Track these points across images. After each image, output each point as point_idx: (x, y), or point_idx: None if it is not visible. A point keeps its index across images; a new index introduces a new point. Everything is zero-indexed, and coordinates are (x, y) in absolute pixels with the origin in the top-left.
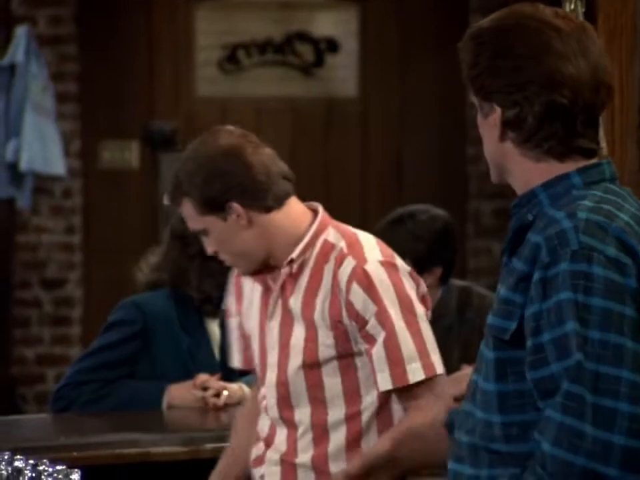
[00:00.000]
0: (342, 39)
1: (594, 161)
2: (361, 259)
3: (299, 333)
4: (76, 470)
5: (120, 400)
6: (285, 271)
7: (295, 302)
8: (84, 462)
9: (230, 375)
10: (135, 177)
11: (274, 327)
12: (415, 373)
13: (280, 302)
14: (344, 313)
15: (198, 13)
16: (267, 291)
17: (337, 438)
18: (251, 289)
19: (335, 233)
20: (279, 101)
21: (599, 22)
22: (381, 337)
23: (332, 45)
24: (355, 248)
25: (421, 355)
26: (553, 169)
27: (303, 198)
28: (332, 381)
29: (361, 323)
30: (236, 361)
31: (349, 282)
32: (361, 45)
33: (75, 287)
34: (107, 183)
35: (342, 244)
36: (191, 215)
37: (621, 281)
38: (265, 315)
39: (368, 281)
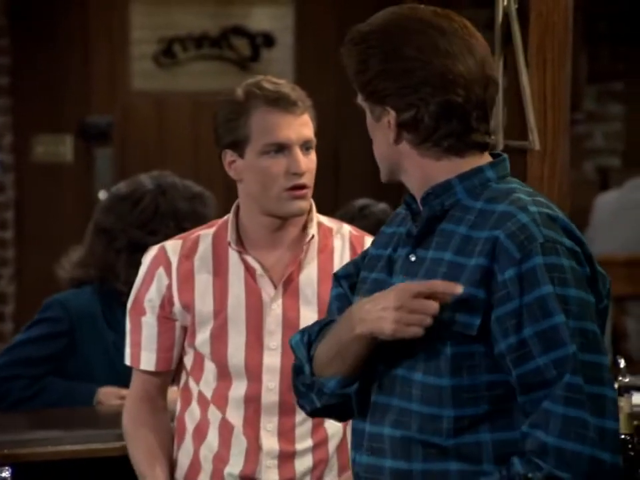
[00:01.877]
0: (278, 33)
1: (496, 155)
2: None
3: (309, 315)
4: (6, 467)
5: (50, 401)
6: (305, 247)
7: (308, 281)
8: (15, 459)
9: None
10: (70, 171)
11: (275, 308)
12: None
13: (283, 282)
14: None
15: (133, 7)
16: (251, 270)
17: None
18: (209, 272)
19: (321, 218)
20: (215, 95)
21: (532, 19)
22: None
23: (268, 40)
24: (360, 231)
25: None
26: (455, 165)
27: (236, 193)
28: None
29: None
30: (146, 362)
31: None
32: (296, 39)
33: (8, 283)
34: (40, 177)
35: (344, 226)
36: None
37: (581, 270)
38: (254, 298)
39: None
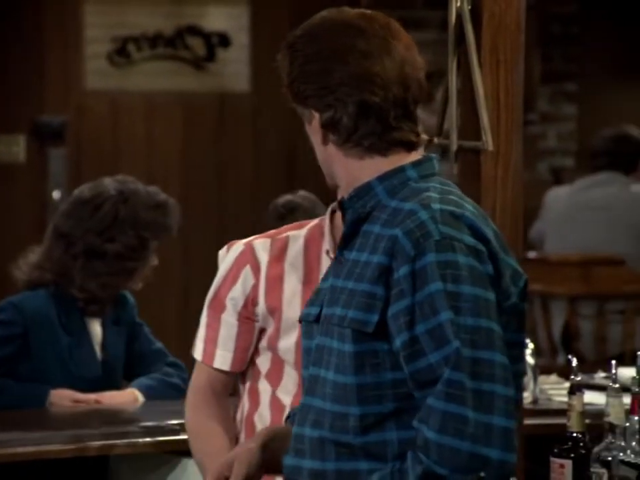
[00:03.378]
0: (233, 33)
1: (423, 154)
2: None
3: None
4: None
5: (3, 403)
6: None
7: None
8: None
9: (112, 375)
10: (23, 172)
11: None
12: None
13: None
14: None
15: (87, 6)
16: None
17: None
18: (299, 278)
19: None
20: (170, 95)
21: (484, 20)
22: None
23: (223, 40)
24: None
25: None
26: (378, 164)
27: (195, 193)
28: None
29: None
30: (220, 362)
31: None
32: (252, 39)
33: None
34: None
35: None
36: None
37: (481, 268)
38: None
39: None
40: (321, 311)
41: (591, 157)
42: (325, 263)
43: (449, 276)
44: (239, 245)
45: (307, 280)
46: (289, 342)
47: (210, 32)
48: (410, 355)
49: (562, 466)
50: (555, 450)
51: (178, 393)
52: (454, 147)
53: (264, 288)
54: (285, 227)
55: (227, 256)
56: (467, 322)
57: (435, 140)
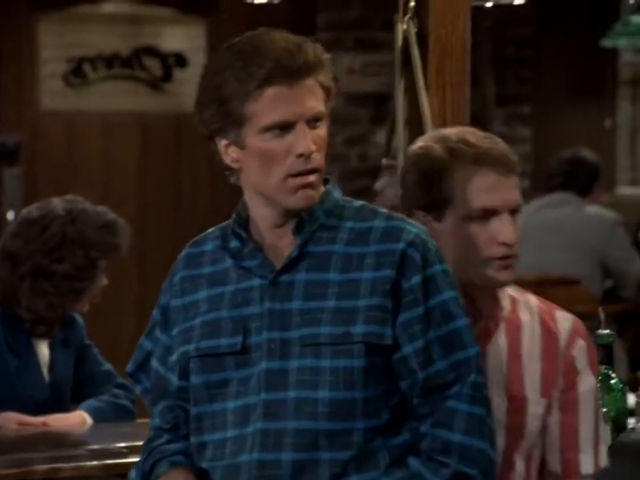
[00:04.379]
0: (190, 53)
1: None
2: None
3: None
4: None
5: None
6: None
7: (496, 359)
8: None
9: (60, 397)
10: None
11: None
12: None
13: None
14: None
15: (42, 25)
16: None
17: None
18: None
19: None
20: (126, 115)
21: (430, 43)
22: None
23: (180, 60)
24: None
25: None
26: None
27: (152, 213)
28: None
29: None
30: None
31: None
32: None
33: None
34: None
35: (530, 297)
36: None
37: None
38: None
39: None
40: (245, 338)
41: (546, 178)
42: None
43: (454, 284)
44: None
45: None
46: None
47: (167, 52)
48: (425, 360)
49: None
50: None
51: (127, 414)
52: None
53: None
54: None
55: None
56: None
57: (384, 161)
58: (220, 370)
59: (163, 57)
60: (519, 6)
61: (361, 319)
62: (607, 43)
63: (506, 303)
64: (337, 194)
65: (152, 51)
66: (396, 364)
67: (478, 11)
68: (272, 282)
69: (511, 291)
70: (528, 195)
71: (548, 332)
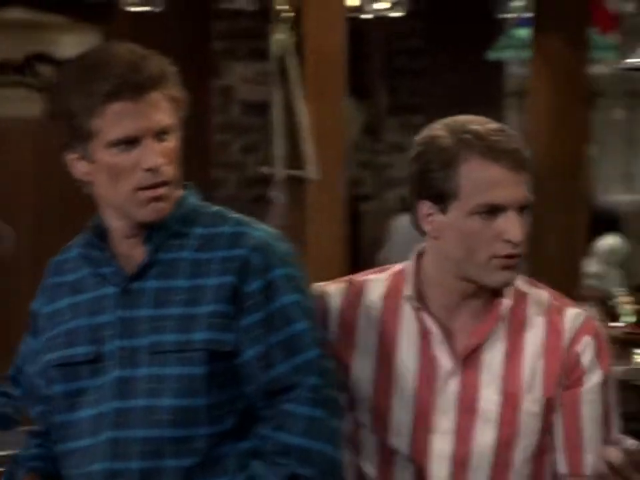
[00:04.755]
0: None
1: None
2: None
3: (490, 397)
4: None
5: None
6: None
7: (494, 358)
8: None
9: None
10: None
11: (452, 384)
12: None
13: (465, 354)
14: None
15: None
16: (428, 335)
17: None
18: (374, 327)
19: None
20: (19, 122)
21: (307, 54)
22: None
23: None
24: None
25: None
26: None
27: (48, 220)
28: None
29: None
30: None
31: None
32: None
33: None
34: None
35: (542, 292)
36: None
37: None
38: (428, 368)
39: None
40: (98, 347)
41: None
42: (406, 312)
43: (298, 288)
44: (314, 289)
45: (382, 332)
46: (365, 404)
47: (61, 59)
48: (266, 365)
49: None
50: None
51: (7, 422)
52: (281, 176)
53: (334, 339)
54: (368, 270)
55: None
56: (317, 333)
57: (263, 169)
58: (77, 379)
59: (56, 64)
60: (410, 19)
61: (203, 325)
62: (492, 55)
63: (509, 299)
64: (193, 200)
65: (45, 58)
66: (239, 369)
67: (369, 24)
68: (123, 290)
69: (521, 285)
70: None
71: (553, 328)
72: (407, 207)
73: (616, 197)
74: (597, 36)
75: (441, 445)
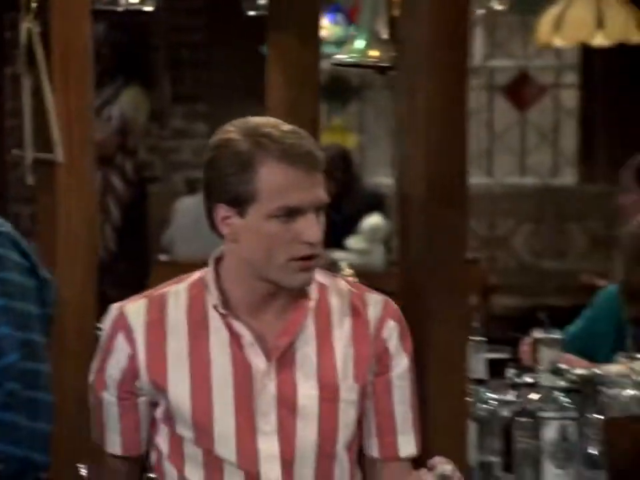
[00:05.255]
0: None
1: None
2: None
3: (308, 392)
4: None
5: None
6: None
7: (306, 352)
8: None
9: None
10: None
11: (268, 384)
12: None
13: (278, 353)
14: None
15: None
16: (238, 339)
17: None
18: (184, 340)
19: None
20: None
21: (53, 43)
22: None
23: None
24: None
25: None
26: None
27: None
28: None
29: None
30: (112, 446)
31: None
32: None
33: None
34: None
35: (339, 281)
36: None
37: (28, 283)
38: (243, 372)
39: None
40: None
41: None
42: (214, 319)
43: (3, 292)
44: (111, 310)
45: (193, 341)
46: (186, 420)
47: None
48: None
49: None
50: None
51: None
52: (29, 159)
53: (144, 358)
54: (165, 283)
55: (105, 322)
56: (22, 336)
57: (14, 152)
58: None
59: None
60: (192, 14)
61: None
62: (265, 50)
63: (314, 293)
64: None
65: None
66: None
67: (154, 19)
68: None
69: (320, 277)
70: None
71: (358, 316)
72: (192, 189)
73: (382, 180)
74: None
75: (267, 447)
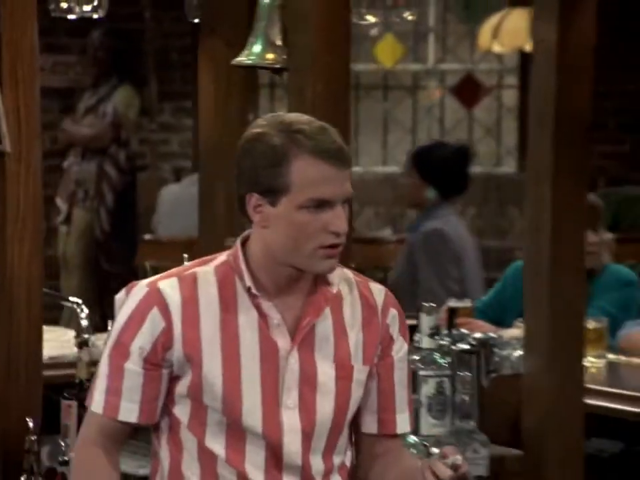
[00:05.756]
0: None
1: None
2: None
3: (327, 370)
4: None
5: None
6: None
7: (325, 334)
8: None
9: None
10: None
11: (292, 362)
12: None
13: (301, 334)
14: None
15: None
16: (266, 319)
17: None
18: (216, 318)
19: None
20: None
21: (3, 44)
22: None
23: None
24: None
25: None
26: None
27: None
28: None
29: None
30: (126, 415)
31: None
32: None
33: None
34: None
35: (345, 270)
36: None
37: None
38: (270, 350)
39: None
40: None
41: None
42: (243, 300)
43: None
44: (140, 287)
45: (224, 319)
46: (216, 392)
47: None
48: None
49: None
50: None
51: None
52: None
53: (180, 332)
54: (189, 264)
55: (128, 299)
56: None
57: None
58: None
59: None
60: (178, 22)
61: None
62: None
63: (335, 279)
64: None
65: None
66: None
67: (144, 25)
68: None
69: None
70: (190, 173)
71: (367, 303)
72: (178, 177)
73: None
74: None
75: (290, 420)
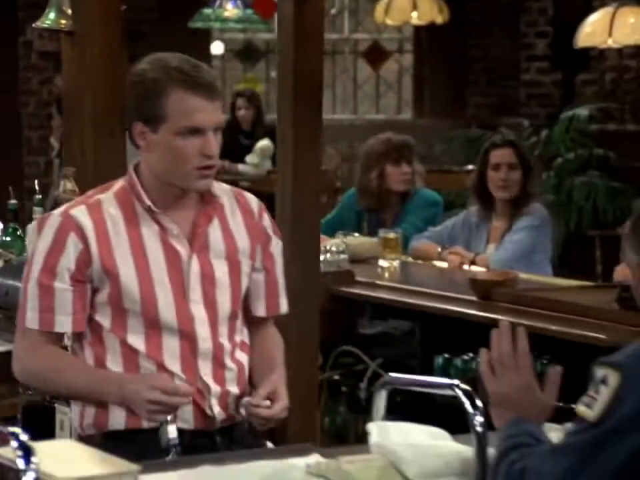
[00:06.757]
0: None
1: None
2: None
3: (222, 267)
4: None
5: None
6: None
7: (215, 238)
8: None
9: None
10: None
11: (193, 265)
12: None
13: (197, 240)
14: None
15: None
16: (166, 231)
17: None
18: (124, 235)
19: None
20: None
21: None
22: None
23: None
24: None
25: None
26: None
27: None
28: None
29: None
30: (61, 326)
31: None
32: None
33: None
34: None
35: (220, 183)
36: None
37: None
38: (173, 257)
39: None
40: None
41: None
42: (144, 217)
43: None
44: (54, 217)
45: (131, 236)
46: (134, 296)
47: None
48: None
49: None
50: None
51: None
52: None
53: (96, 250)
54: (90, 192)
55: (44, 230)
56: None
57: None
58: None
59: None
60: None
61: None
62: (195, 24)
63: (219, 192)
64: None
65: None
66: None
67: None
68: None
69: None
70: None
71: (244, 209)
72: None
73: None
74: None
75: (198, 312)
